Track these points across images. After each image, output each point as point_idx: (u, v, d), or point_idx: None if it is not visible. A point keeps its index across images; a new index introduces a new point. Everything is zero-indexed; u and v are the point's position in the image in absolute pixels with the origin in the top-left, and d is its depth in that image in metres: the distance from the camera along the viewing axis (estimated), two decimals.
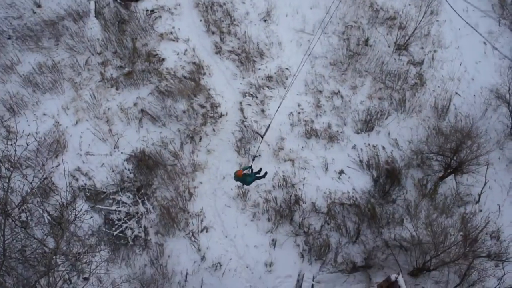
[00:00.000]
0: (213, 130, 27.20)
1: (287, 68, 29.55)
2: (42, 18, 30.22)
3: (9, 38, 29.41)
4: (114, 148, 26.13)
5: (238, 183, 24.45)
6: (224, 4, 31.50)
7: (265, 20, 31.23)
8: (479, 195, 25.52)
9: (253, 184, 24.54)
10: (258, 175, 23.64)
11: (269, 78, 29.12)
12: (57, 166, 25.09)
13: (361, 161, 26.56)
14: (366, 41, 30.39)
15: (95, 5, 30.53)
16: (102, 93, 27.74)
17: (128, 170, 25.54)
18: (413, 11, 31.44)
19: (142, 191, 25.10)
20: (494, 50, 30.79)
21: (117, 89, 28.00)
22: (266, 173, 24.26)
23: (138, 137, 26.47)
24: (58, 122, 26.73)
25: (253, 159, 23.62)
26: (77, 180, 25.10)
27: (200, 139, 26.81)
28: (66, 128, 26.60)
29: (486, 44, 30.96)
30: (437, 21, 31.40)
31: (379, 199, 25.48)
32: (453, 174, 25.64)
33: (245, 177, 22.39)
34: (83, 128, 26.62)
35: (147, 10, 30.95)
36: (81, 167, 25.53)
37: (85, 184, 25.10)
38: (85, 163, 25.71)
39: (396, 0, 32.24)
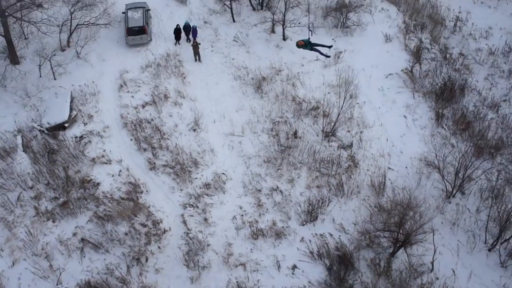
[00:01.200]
0: (159, 247, 26.58)
1: (223, 173, 29.80)
2: None
3: None
4: (57, 285, 24.92)
5: None
6: (152, 120, 32.01)
7: (194, 130, 31.82)
8: (432, 263, 25.66)
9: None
10: (317, 45, 29.87)
11: (207, 185, 29.19)
12: None
13: (311, 252, 26.40)
14: (295, 133, 31.31)
15: (22, 139, 30.36)
16: (39, 228, 26.86)
17: None
18: (333, 98, 32.90)
19: None
20: (414, 121, 32.33)
21: (53, 221, 27.23)
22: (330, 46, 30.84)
23: (81, 268, 25.45)
24: None
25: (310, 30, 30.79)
26: None
27: (147, 259, 26.06)
28: (2, 272, 25.33)
29: (406, 117, 32.55)
30: (357, 103, 32.94)
31: (336, 287, 25.16)
32: (403, 248, 25.82)
33: (306, 46, 29.44)
34: (21, 268, 25.40)
35: (76, 137, 31.03)
36: None
37: None
38: None
39: (315, 90, 33.80)
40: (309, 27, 32.19)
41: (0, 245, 26.31)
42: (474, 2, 41.04)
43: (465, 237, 27.17)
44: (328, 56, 31.81)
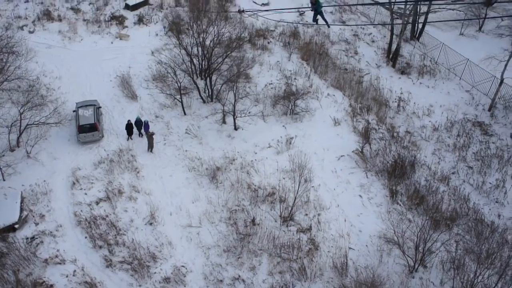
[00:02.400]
0: None
1: (183, 266, 29.09)
2: None
3: None
4: None
5: None
6: (107, 216, 31.32)
7: (150, 224, 31.25)
8: None
9: None
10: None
11: (166, 280, 28.31)
12: None
13: None
14: (253, 221, 31.13)
15: None
16: None
17: None
18: (288, 183, 33.19)
19: None
20: (370, 200, 32.78)
21: None
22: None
23: None
24: None
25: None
26: None
27: None
28: None
29: (361, 197, 33.00)
30: (313, 187, 33.27)
31: None
32: None
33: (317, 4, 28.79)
34: None
35: (27, 238, 29.92)
36: None
37: None
38: None
39: (270, 177, 34.08)
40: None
41: None
42: (414, 83, 43.24)
43: None
44: (329, 26, 32.30)
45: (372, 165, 35.02)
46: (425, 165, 35.23)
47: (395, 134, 37.68)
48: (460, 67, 43.20)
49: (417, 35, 48.25)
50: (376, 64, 45.19)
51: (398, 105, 40.66)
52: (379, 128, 38.21)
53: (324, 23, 30.03)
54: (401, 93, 41.88)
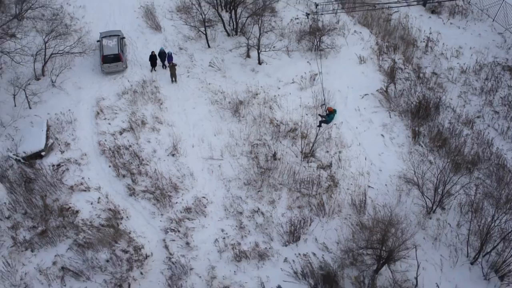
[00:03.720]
0: (141, 273, 26.13)
1: (203, 197, 29.63)
2: None
3: None
4: None
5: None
6: (130, 146, 31.80)
7: (173, 155, 31.68)
8: (416, 279, 25.66)
9: None
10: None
11: (187, 210, 28.95)
12: None
13: (295, 273, 26.23)
14: (274, 155, 31.37)
15: None
16: (17, 258, 26.24)
17: None
18: (310, 119, 33.21)
19: None
20: (392, 140, 32.70)
21: (32, 250, 26.65)
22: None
23: None
24: None
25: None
26: None
27: (129, 286, 25.55)
28: None
29: (383, 136, 32.91)
30: (335, 124, 33.20)
31: None
32: (386, 264, 25.80)
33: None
34: None
35: (53, 165, 30.62)
36: None
37: None
38: None
39: (293, 112, 34.04)
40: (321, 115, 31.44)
41: None
42: (444, 23, 42.02)
43: (448, 251, 27.30)
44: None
45: (396, 105, 34.70)
46: (449, 108, 34.75)
47: (421, 75, 37.04)
48: (494, 8, 41.56)
49: None
50: (406, 2, 43.79)
51: (426, 45, 39.72)
52: (405, 68, 37.58)
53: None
54: (430, 33, 40.81)
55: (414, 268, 25.89)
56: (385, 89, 35.30)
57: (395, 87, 35.63)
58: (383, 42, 39.69)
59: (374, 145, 32.43)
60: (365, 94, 35.54)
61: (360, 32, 40.42)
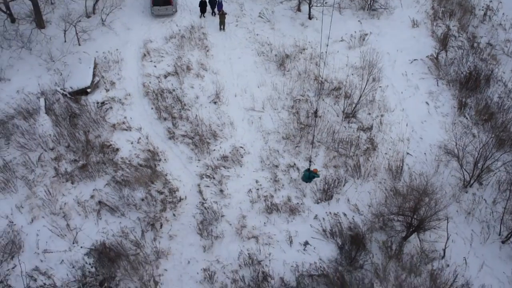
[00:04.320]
0: (174, 215, 26.84)
1: (241, 147, 29.88)
2: None
3: None
4: (73, 243, 25.33)
5: None
6: (174, 90, 32.12)
7: (215, 102, 31.89)
8: (444, 250, 25.64)
9: (219, 265, 24.59)
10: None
11: (224, 158, 29.32)
12: (13, 268, 24.06)
13: (324, 230, 26.49)
14: (315, 112, 31.22)
15: (45, 102, 30.68)
16: (57, 188, 27.25)
17: (89, 264, 24.61)
18: (356, 80, 32.78)
19: (105, 284, 24.10)
20: (436, 108, 32.08)
21: (72, 183, 27.61)
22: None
23: (97, 230, 25.83)
24: (12, 222, 25.97)
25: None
26: (35, 280, 23.93)
27: (161, 226, 26.33)
28: (21, 227, 25.77)
29: (428, 104, 32.29)
30: (380, 87, 32.75)
31: (347, 266, 25.24)
32: (415, 233, 25.81)
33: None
34: (39, 225, 25.82)
35: (98, 102, 31.27)
36: (39, 266, 24.50)
37: (44, 284, 23.93)
38: (43, 261, 24.70)
39: (339, 71, 33.63)
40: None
41: (21, 202, 26.77)
42: None
43: (479, 227, 27.07)
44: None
45: (445, 73, 33.83)
46: (501, 82, 33.67)
47: (475, 45, 35.83)
48: None
49: None
50: None
51: (485, 14, 38.24)
52: (459, 36, 36.40)
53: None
54: (490, 1, 39.23)
55: (443, 239, 25.83)
56: (435, 56, 34.40)
57: (446, 55, 34.68)
58: (439, 7, 38.40)
59: (417, 112, 31.90)
60: (414, 59, 34.74)
61: None
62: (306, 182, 27.26)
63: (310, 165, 26.16)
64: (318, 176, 26.69)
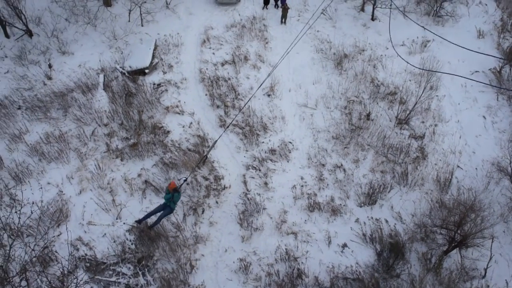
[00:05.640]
0: (216, 202, 27.18)
1: (290, 142, 29.94)
2: (52, 89, 31.21)
3: (19, 109, 30.26)
4: (117, 219, 26.03)
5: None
6: (229, 79, 32.42)
7: (268, 95, 32.01)
8: (485, 270, 25.02)
9: (255, 257, 24.64)
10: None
11: (272, 151, 29.43)
12: (58, 235, 24.89)
13: (364, 235, 26.29)
14: (368, 115, 30.95)
15: (104, 79, 31.54)
16: (107, 164, 28.03)
17: (130, 241, 25.26)
18: (413, 86, 32.25)
19: (143, 262, 24.74)
20: (493, 124, 31.24)
21: (122, 160, 28.34)
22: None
23: (141, 208, 26.42)
24: (62, 191, 26.86)
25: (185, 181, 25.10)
26: (78, 250, 24.74)
27: (203, 211, 26.73)
28: (70, 198, 26.65)
29: (485, 118, 31.48)
30: (437, 96, 32.11)
31: (383, 274, 25.01)
32: (457, 248, 25.30)
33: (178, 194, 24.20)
34: (87, 198, 26.64)
35: (154, 84, 31.89)
36: (83, 237, 25.30)
37: (86, 254, 24.74)
38: (86, 233, 25.50)
39: (396, 76, 33.16)
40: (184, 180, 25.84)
41: (71, 173, 27.64)
42: None
43: None
44: None
45: (506, 88, 32.87)
46: None
47: None
48: None
49: None
50: None
51: None
52: None
53: None
54: None
55: (486, 258, 25.18)
56: (498, 70, 33.42)
57: (510, 69, 33.62)
58: (509, 19, 37.20)
59: (473, 125, 31.13)
60: (476, 71, 33.85)
61: (486, 4, 38.06)
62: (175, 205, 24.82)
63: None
64: (179, 194, 24.42)
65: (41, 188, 26.06)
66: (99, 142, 29.01)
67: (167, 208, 24.73)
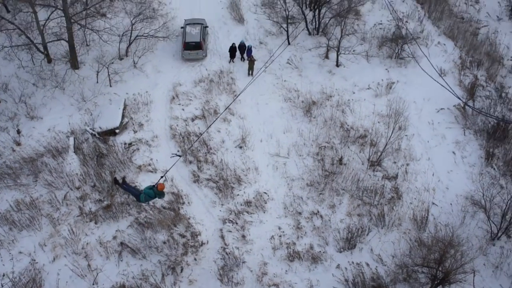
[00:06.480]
0: (195, 259, 26.76)
1: (265, 192, 29.90)
2: (21, 155, 30.91)
3: None
4: (93, 284, 25.37)
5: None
6: (200, 133, 32.50)
7: (240, 147, 32.11)
8: None
9: None
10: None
11: (248, 203, 29.32)
12: None
13: (346, 280, 26.05)
14: (340, 160, 31.19)
15: (74, 141, 31.38)
16: (81, 228, 27.53)
17: None
18: (382, 128, 32.74)
19: None
20: (463, 158, 31.73)
21: (96, 223, 27.87)
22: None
23: (118, 271, 25.85)
24: (35, 260, 26.18)
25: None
26: None
27: (182, 270, 26.24)
28: (43, 266, 25.95)
29: (455, 154, 31.98)
30: (406, 135, 32.63)
31: None
32: (440, 285, 25.18)
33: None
34: (61, 264, 25.99)
35: (125, 144, 31.79)
36: None
37: None
38: None
39: (365, 119, 33.66)
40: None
41: (44, 240, 27.05)
42: None
43: (508, 282, 26.26)
44: None
45: (472, 123, 33.58)
46: None
47: (503, 95, 35.62)
48: None
49: None
50: (497, 17, 42.30)
51: None
52: (487, 86, 36.27)
53: None
54: None
55: None
56: (462, 106, 34.23)
57: (473, 104, 34.47)
58: (467, 57, 38.44)
59: (443, 161, 31.58)
60: (441, 108, 34.61)
61: (444, 44, 39.30)
62: (144, 202, 24.52)
63: (160, 179, 23.89)
64: (163, 197, 24.44)
65: (12, 258, 25.39)
66: (72, 206, 28.58)
67: (139, 195, 23.93)
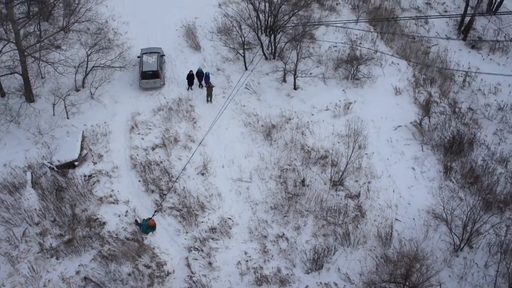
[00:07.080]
0: None
1: (229, 218, 29.75)
2: None
3: None
4: None
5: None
6: (161, 162, 32.24)
7: (202, 174, 31.96)
8: None
9: None
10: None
11: (212, 230, 29.10)
12: None
13: None
14: (303, 181, 31.35)
15: (32, 176, 30.61)
16: (42, 265, 26.75)
17: None
18: (342, 148, 33.13)
19: None
20: (422, 173, 32.34)
21: (57, 258, 27.14)
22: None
23: None
24: None
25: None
26: None
27: None
28: None
29: (414, 169, 32.59)
30: (366, 154, 33.09)
31: None
32: None
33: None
34: None
35: (85, 176, 31.22)
36: None
37: None
38: None
39: (325, 140, 34.02)
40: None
41: (2, 280, 26.14)
42: (483, 59, 41.62)
43: None
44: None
45: (429, 138, 34.35)
46: (484, 145, 34.26)
47: (456, 110, 36.64)
48: None
49: (494, 8, 45.89)
50: (446, 36, 43.65)
51: (464, 80, 39.30)
52: (440, 102, 37.24)
53: None
54: (469, 68, 40.42)
55: None
56: (419, 122, 35.01)
57: (429, 121, 35.31)
58: (420, 75, 39.48)
59: (404, 177, 32.14)
60: (399, 126, 35.32)
61: (398, 63, 40.29)
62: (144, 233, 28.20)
63: (153, 214, 27.77)
64: (153, 230, 27.75)
65: None
66: (31, 243, 27.77)
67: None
